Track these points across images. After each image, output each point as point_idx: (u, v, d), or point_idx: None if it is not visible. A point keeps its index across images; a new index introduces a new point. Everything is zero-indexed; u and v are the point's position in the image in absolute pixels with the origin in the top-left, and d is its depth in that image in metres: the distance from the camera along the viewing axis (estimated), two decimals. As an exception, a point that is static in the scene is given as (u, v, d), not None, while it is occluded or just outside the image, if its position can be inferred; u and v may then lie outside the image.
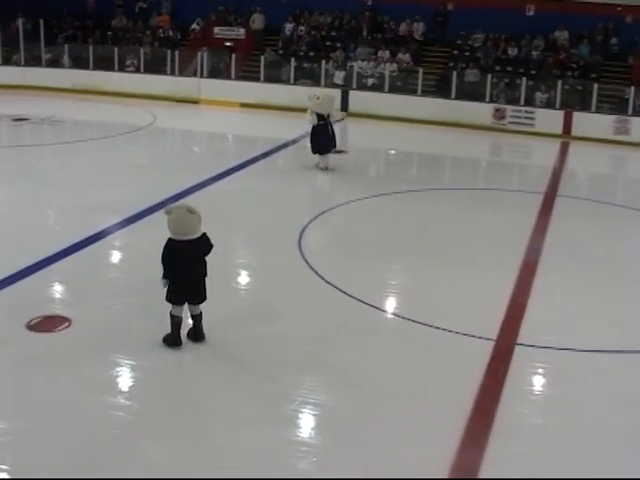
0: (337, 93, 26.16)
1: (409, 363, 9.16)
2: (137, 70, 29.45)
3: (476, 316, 10.35)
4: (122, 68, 29.60)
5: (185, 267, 9.07)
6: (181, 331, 9.27)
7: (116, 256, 12.74)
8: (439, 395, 8.41)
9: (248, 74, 28.47)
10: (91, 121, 25.17)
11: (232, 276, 11.77)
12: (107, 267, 12.16)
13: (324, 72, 27.00)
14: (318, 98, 18.24)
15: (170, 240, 9.10)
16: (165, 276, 9.15)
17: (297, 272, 11.79)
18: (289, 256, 12.42)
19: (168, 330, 9.25)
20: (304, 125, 23.67)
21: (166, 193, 15.23)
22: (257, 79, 27.66)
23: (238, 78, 28.18)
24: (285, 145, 21.57)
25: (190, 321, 9.35)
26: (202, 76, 28.65)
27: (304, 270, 11.79)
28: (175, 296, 9.19)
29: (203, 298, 9.27)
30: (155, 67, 29.36)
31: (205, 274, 9.20)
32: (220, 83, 28.07)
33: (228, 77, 28.28)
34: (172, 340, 9.27)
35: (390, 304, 10.96)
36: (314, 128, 18.31)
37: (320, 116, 18.14)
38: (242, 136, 24.21)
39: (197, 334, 9.39)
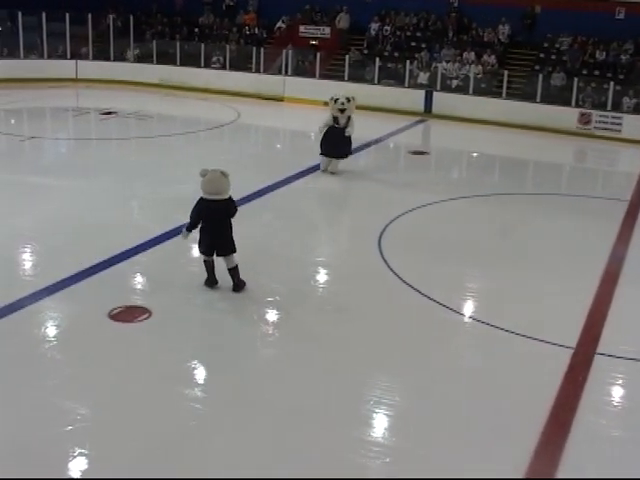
0: (421, 94, 26.13)
1: (485, 367, 9.08)
2: (222, 67, 29.80)
3: (555, 323, 10.21)
4: (208, 65, 29.97)
5: (211, 223, 10.53)
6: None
7: (197, 250, 12.85)
8: (515, 401, 8.30)
9: (332, 73, 28.52)
10: (176, 116, 25.57)
11: (311, 273, 11.82)
12: (188, 261, 12.29)
13: (408, 73, 26.90)
14: (354, 98, 17.39)
15: (200, 198, 10.51)
16: (188, 229, 10.67)
17: (376, 271, 11.77)
18: (368, 255, 12.42)
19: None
20: (387, 125, 23.80)
21: (247, 189, 15.37)
22: (341, 78, 27.66)
23: (322, 77, 28.25)
24: (367, 145, 21.54)
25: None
26: (287, 74, 28.83)
27: (383, 270, 11.77)
28: (203, 249, 10.71)
29: (230, 250, 10.66)
30: (240, 64, 29.65)
31: (230, 230, 10.60)
32: (304, 81, 28.17)
33: (312, 76, 28.37)
34: (207, 281, 10.81)
35: (468, 307, 10.86)
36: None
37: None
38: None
39: (234, 285, 10.73)
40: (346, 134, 17.22)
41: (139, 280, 11.37)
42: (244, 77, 29.00)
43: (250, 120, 25.13)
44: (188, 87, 29.07)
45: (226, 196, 10.53)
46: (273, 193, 15.68)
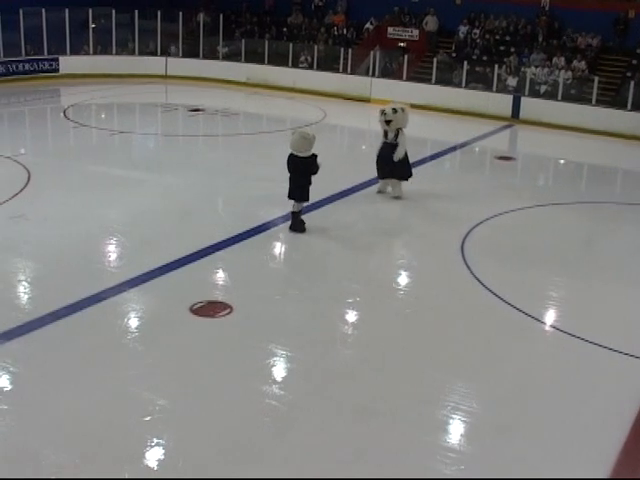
0: (509, 99, 25.83)
1: (566, 379, 8.91)
2: (310, 67, 29.90)
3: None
4: (295, 64, 30.10)
5: (292, 173, 12.92)
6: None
7: (279, 248, 12.94)
8: (594, 414, 8.14)
9: (420, 75, 28.39)
10: (263, 114, 25.80)
11: (392, 276, 11.79)
12: (270, 258, 12.39)
13: (496, 77, 26.61)
14: (403, 109, 15.43)
15: (290, 153, 12.89)
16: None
17: (458, 276, 11.68)
18: (450, 259, 12.33)
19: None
20: (474, 129, 23.59)
21: (331, 190, 15.41)
22: (428, 81, 27.53)
23: (409, 79, 28.13)
24: (453, 148, 21.42)
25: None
26: (374, 75, 28.79)
27: (465, 275, 11.68)
28: (289, 194, 12.98)
29: (300, 198, 12.99)
30: (328, 64, 29.70)
31: (308, 182, 12.90)
32: (391, 83, 28.05)
33: (400, 78, 28.27)
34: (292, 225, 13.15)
35: (550, 316, 10.69)
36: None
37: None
38: (410, 137, 23.84)
39: (292, 225, 13.07)
40: (395, 159, 15.29)
41: (221, 276, 11.49)
42: (331, 77, 29.08)
43: (336, 120, 25.17)
44: (275, 86, 29.29)
45: (304, 155, 12.72)
46: (357, 194, 15.66)
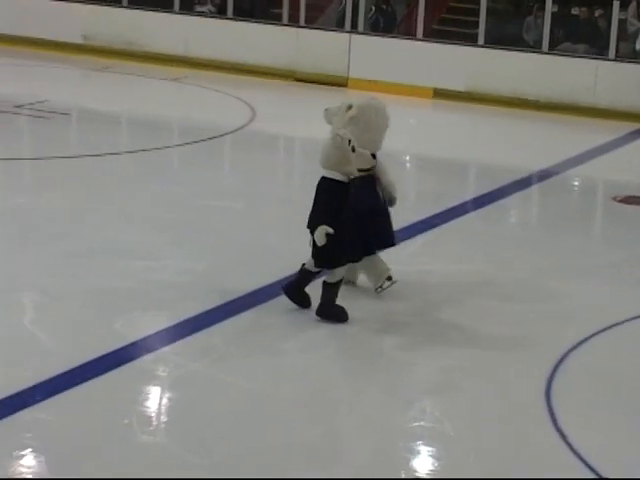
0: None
1: None
2: (219, 12, 30.14)
3: None
4: (188, 6, 30.34)
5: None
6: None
7: (155, 399, 12.92)
8: None
9: (450, 28, 28.75)
10: (119, 113, 25.97)
11: (403, 455, 11.76)
12: (138, 421, 12.31)
13: (616, 27, 26.86)
14: (350, 108, 14.76)
15: None
16: None
17: (538, 452, 11.69)
18: (524, 416, 12.35)
19: None
20: (568, 140, 23.89)
21: (273, 269, 15.38)
22: (470, 41, 27.86)
23: (429, 36, 28.45)
24: (526, 182, 21.64)
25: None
26: (355, 30, 29.01)
27: (552, 442, 11.68)
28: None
29: (316, 261, 13.97)
30: (256, 9, 30.00)
31: (319, 223, 13.61)
32: (393, 45, 28.39)
33: (410, 34, 28.57)
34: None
35: None
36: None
37: None
38: (434, 159, 24.22)
39: (319, 305, 14.10)
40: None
41: (29, 462, 11.37)
42: (265, 35, 29.35)
43: (275, 126, 25.32)
44: (144, 53, 29.53)
45: (330, 174, 13.82)
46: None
